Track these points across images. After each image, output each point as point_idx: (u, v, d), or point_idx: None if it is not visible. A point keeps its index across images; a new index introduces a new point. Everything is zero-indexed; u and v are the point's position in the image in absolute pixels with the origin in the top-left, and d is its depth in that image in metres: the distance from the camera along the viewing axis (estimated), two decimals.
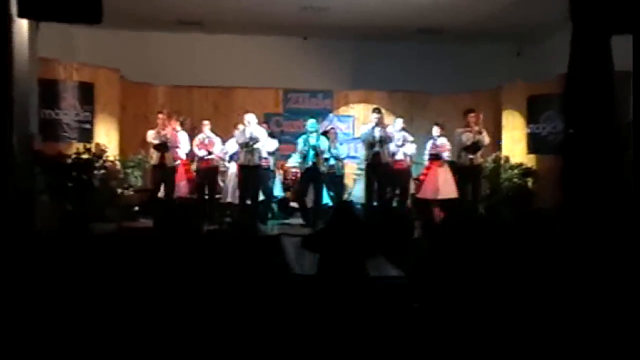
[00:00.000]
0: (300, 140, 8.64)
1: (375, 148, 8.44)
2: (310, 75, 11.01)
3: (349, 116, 11.36)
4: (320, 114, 11.00)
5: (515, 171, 9.31)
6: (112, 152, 9.11)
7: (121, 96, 9.70)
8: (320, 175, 8.59)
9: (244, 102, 10.88)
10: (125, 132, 9.71)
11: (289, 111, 11.22)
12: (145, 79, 10.34)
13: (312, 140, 8.48)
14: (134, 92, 10.20)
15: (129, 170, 9.23)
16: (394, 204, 9.01)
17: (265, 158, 8.90)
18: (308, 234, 5.26)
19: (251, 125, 8.48)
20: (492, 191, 9.32)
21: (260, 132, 8.57)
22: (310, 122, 8.68)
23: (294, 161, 9.41)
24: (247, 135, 8.43)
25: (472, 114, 8.56)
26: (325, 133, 9.33)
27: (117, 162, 9.11)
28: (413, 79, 10.88)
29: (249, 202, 8.49)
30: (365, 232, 4.98)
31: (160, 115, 8.62)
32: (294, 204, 9.26)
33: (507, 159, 9.60)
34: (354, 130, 11.29)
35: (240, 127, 8.80)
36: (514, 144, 9.72)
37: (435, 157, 8.90)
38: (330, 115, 11.24)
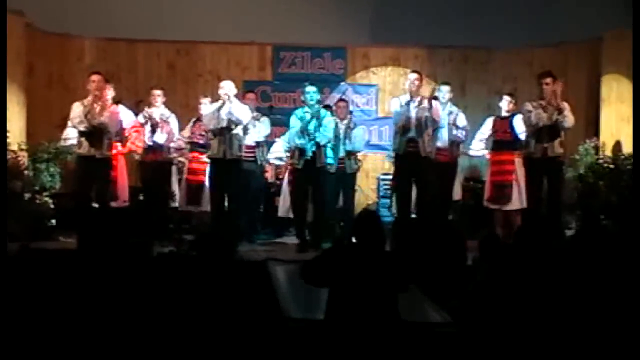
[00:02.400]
0: (294, 119, 8.52)
1: (411, 133, 8.32)
2: (312, 25, 11.00)
3: (369, 85, 11.40)
4: (327, 81, 10.99)
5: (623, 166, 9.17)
6: (15, 137, 9.02)
7: (28, 52, 9.65)
8: (322, 173, 8.54)
9: (214, 63, 10.96)
10: (35, 107, 9.65)
11: (281, 77, 11.24)
12: (65, 27, 10.33)
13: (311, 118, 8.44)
14: (48, 47, 10.21)
15: (41, 165, 9.11)
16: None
17: (251, 145, 8.88)
18: (310, 259, 5.10)
19: (230, 100, 8.36)
20: (586, 195, 9.20)
21: (242, 111, 8.47)
22: (309, 91, 8.54)
23: (280, 150, 9.29)
24: (224, 115, 8.32)
25: (549, 79, 8.41)
26: (329, 107, 9.25)
27: (23, 153, 9.04)
28: (465, 28, 10.86)
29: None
30: (395, 256, 5.03)
31: (94, 78, 8.39)
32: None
33: (617, 149, 9.51)
34: (377, 105, 11.20)
35: (205, 101, 8.69)
36: (621, 124, 9.64)
37: (509, 145, 8.86)
38: (343, 83, 11.23)
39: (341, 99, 10.01)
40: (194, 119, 9.02)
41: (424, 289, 6.00)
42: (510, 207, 8.75)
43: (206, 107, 8.74)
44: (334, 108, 9.46)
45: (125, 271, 5.74)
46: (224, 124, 8.36)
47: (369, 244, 4.76)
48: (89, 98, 8.28)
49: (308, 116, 8.35)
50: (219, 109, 8.38)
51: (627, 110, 9.54)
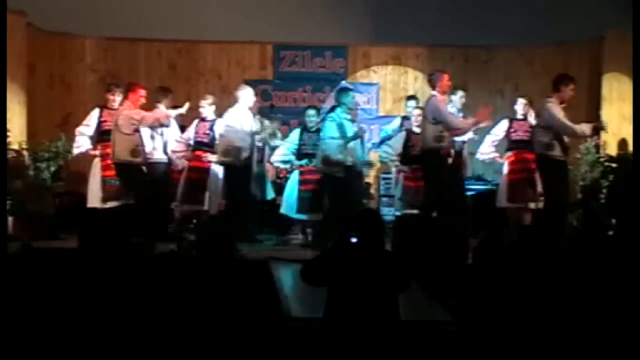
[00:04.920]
0: (333, 126, 8.57)
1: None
2: (312, 23, 10.93)
3: (370, 84, 11.35)
4: (328, 80, 11.00)
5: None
6: (15, 136, 9.05)
7: (29, 52, 9.68)
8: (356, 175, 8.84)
9: (215, 63, 10.91)
10: (36, 106, 9.67)
11: (282, 76, 11.19)
12: (66, 27, 10.32)
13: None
14: (50, 47, 10.19)
15: (42, 164, 9.15)
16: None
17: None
18: (310, 259, 5.11)
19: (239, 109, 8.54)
20: (587, 194, 9.21)
21: (245, 119, 8.60)
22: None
23: (284, 152, 9.33)
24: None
25: (573, 87, 8.32)
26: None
27: (24, 152, 9.08)
28: (466, 28, 10.83)
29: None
30: (395, 255, 4.99)
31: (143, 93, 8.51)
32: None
33: (620, 147, 9.52)
34: (378, 104, 11.27)
35: (205, 103, 8.84)
36: (622, 123, 9.64)
37: (530, 144, 8.75)
38: (343, 82, 11.16)
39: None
40: (197, 121, 9.01)
41: (425, 287, 6.05)
42: (537, 205, 8.72)
43: (206, 109, 8.85)
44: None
45: (127, 270, 5.76)
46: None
47: (369, 243, 4.76)
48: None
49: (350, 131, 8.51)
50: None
51: (628, 109, 9.52)
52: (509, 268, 5.93)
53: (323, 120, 8.80)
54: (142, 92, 8.46)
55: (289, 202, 9.00)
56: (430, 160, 8.21)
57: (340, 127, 8.31)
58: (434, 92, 8.15)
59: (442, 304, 5.87)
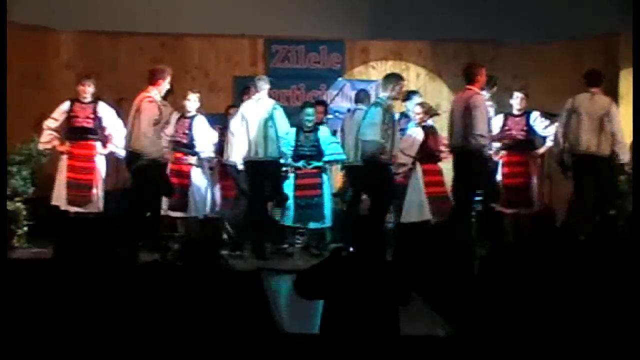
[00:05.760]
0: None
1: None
2: (307, 16, 10.99)
3: (369, 81, 11.28)
4: (324, 77, 11.05)
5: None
6: None
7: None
8: None
9: (202, 58, 10.97)
10: (7, 106, 9.43)
11: (275, 73, 11.02)
12: (42, 20, 10.34)
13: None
14: (23, 41, 10.10)
15: (13, 168, 9.02)
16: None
17: None
18: (304, 270, 5.16)
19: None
20: (605, 197, 9.08)
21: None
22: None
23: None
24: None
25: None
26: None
27: None
28: (471, 21, 10.88)
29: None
30: (395, 265, 5.31)
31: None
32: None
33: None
34: None
35: (193, 97, 8.92)
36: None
37: (525, 144, 8.88)
38: (340, 79, 11.15)
39: (320, 102, 10.01)
40: (177, 116, 8.93)
41: (427, 300, 6.14)
42: (531, 211, 8.86)
43: (191, 104, 8.88)
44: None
45: (107, 282, 5.61)
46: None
47: (367, 253, 4.81)
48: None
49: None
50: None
51: None
52: (519, 280, 5.85)
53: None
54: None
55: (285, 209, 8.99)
56: (476, 160, 8.05)
57: (387, 110, 8.27)
58: (473, 88, 8.07)
59: (445, 317, 5.89)
